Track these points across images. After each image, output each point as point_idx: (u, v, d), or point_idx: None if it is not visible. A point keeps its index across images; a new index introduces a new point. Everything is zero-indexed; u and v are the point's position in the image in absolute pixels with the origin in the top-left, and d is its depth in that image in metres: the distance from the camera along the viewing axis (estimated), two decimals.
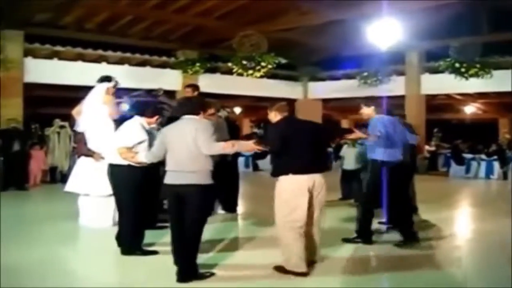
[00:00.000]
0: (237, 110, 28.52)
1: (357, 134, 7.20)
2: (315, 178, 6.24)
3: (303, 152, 6.24)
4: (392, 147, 7.76)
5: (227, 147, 6.06)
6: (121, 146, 7.00)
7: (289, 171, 6.20)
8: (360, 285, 6.26)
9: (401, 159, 7.94)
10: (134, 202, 7.18)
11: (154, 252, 7.26)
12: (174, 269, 6.03)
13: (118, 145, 7.05)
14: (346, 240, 7.97)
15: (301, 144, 6.24)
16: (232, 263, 6.89)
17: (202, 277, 6.08)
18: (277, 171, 6.36)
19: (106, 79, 9.19)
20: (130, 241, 7.25)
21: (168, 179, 6.06)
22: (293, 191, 6.17)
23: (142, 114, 7.37)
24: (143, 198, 7.25)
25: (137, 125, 7.22)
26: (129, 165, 7.05)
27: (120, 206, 7.44)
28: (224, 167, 8.81)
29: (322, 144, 6.69)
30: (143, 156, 6.65)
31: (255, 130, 23.07)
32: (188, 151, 5.93)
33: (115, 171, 7.34)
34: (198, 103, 6.58)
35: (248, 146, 6.34)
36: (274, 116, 6.50)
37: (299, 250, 6.15)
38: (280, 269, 6.25)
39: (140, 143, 7.05)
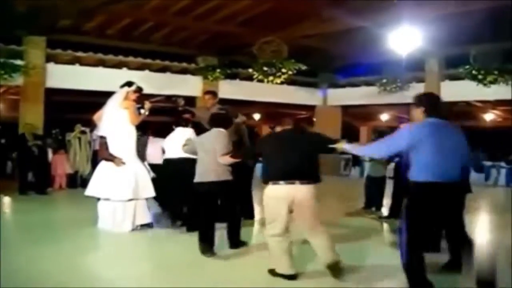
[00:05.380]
0: (257, 116, 28.54)
1: (340, 144, 6.27)
2: (297, 189, 6.11)
3: (283, 162, 6.18)
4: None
5: (225, 159, 7.32)
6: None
7: (269, 180, 6.29)
8: None
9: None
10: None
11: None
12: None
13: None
14: None
15: (282, 154, 6.24)
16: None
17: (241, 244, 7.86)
18: (263, 179, 6.45)
19: (127, 84, 9.31)
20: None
21: (197, 178, 7.62)
22: (271, 201, 6.27)
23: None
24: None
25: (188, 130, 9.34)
26: (186, 158, 8.50)
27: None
28: (243, 172, 8.94)
29: (313, 155, 6.39)
30: (184, 150, 8.36)
31: None
32: (209, 155, 7.52)
33: (172, 163, 9.27)
34: (227, 119, 8.20)
35: (226, 159, 7.31)
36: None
37: (279, 255, 6.27)
38: (272, 271, 6.35)
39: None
